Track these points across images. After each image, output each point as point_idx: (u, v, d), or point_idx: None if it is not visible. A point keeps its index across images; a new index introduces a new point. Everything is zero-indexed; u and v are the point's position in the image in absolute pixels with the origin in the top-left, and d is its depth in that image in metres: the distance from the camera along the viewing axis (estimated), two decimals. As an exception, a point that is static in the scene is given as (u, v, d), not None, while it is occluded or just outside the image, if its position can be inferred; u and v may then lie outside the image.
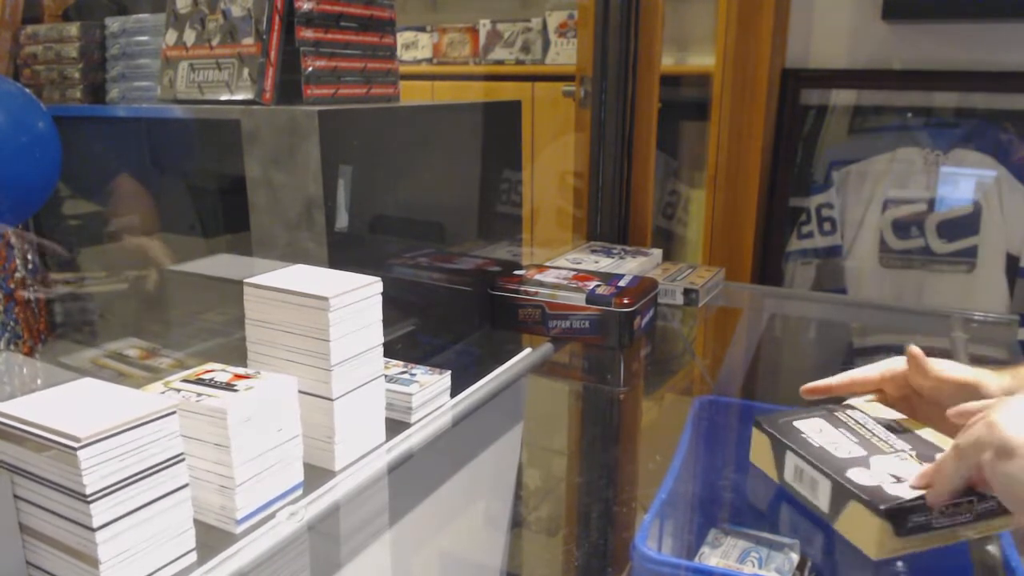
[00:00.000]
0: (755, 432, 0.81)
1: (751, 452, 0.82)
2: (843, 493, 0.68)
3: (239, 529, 0.66)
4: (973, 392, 0.73)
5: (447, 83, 2.78)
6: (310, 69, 0.98)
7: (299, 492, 0.72)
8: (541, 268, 1.33)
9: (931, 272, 1.79)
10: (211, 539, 0.65)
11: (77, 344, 1.22)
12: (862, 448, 0.74)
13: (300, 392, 0.71)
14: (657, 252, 1.59)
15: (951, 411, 0.69)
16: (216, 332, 1.09)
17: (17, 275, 1.15)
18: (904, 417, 0.79)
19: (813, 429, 0.78)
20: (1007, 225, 1.71)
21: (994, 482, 0.60)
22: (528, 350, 1.15)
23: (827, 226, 1.88)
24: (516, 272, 1.29)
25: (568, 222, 1.86)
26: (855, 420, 0.79)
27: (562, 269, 1.33)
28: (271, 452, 0.68)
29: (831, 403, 0.84)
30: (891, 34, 1.79)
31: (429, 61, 2.93)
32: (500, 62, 2.76)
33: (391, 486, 0.79)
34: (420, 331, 1.10)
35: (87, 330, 1.23)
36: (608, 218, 1.76)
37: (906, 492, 0.65)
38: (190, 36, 1.04)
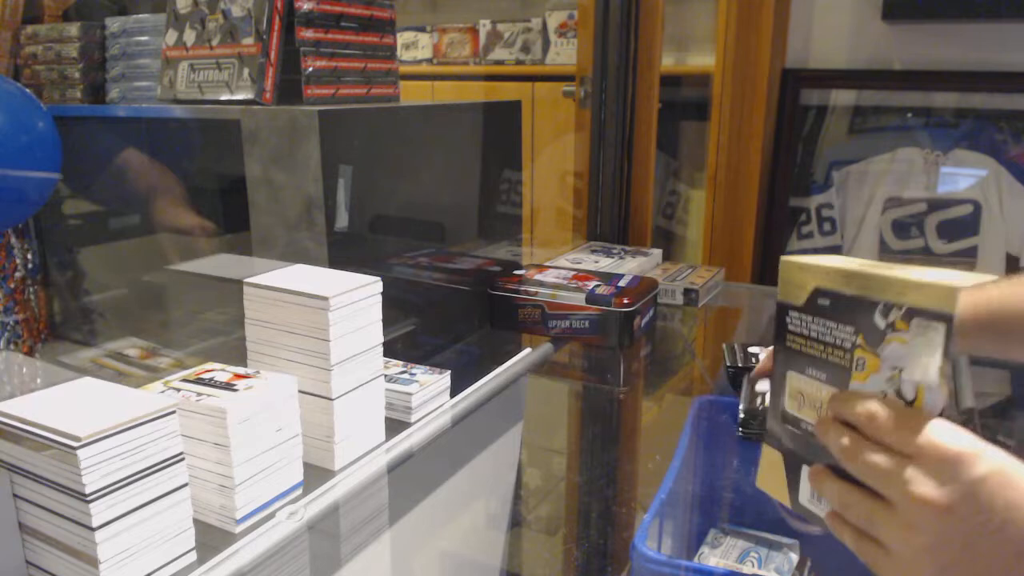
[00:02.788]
0: (765, 450, 0.61)
1: (758, 477, 0.63)
2: None
3: (239, 529, 0.66)
4: None
5: (447, 83, 2.78)
6: (310, 69, 0.98)
7: (299, 492, 0.72)
8: (541, 268, 1.33)
9: (931, 272, 1.79)
10: (211, 539, 0.65)
11: (77, 344, 1.22)
12: None
13: (300, 392, 0.72)
14: (657, 252, 1.59)
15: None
16: (216, 332, 1.09)
17: (17, 275, 1.15)
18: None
19: None
20: (1007, 225, 1.71)
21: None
22: (528, 350, 1.15)
23: (827, 226, 1.87)
24: (516, 272, 1.29)
25: (568, 222, 1.86)
26: None
27: (562, 269, 1.33)
28: (271, 452, 0.68)
29: None
30: (891, 34, 1.79)
31: (429, 61, 2.93)
32: (500, 62, 2.76)
33: (391, 486, 0.79)
34: (420, 331, 1.10)
35: (86, 329, 1.22)
36: (608, 218, 1.76)
37: None
38: (190, 36, 1.04)
